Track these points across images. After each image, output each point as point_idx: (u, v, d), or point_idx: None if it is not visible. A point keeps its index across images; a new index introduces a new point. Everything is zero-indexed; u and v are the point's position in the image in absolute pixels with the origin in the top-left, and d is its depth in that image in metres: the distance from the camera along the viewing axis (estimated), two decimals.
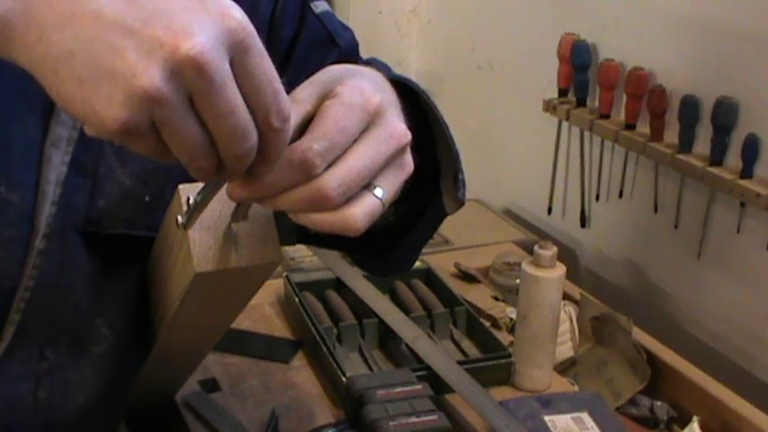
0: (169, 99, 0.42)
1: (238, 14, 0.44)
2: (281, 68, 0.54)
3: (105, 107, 0.42)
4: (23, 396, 0.72)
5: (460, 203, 0.73)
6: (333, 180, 0.50)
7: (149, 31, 0.42)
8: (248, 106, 0.45)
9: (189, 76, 0.42)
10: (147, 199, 0.72)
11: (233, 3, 0.44)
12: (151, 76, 0.42)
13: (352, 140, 0.52)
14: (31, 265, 0.68)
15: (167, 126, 0.44)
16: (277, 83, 0.46)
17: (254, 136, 0.45)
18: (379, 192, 0.53)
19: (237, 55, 0.44)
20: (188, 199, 0.56)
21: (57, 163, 0.67)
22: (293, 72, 0.78)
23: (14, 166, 0.66)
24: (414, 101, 0.66)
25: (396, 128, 0.54)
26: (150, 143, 0.45)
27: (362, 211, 0.52)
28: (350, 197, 0.51)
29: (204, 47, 0.42)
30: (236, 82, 0.44)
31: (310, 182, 0.50)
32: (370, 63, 0.77)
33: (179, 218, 0.57)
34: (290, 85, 0.52)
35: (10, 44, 0.46)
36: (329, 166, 0.50)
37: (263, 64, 0.45)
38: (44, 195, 0.67)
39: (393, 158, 0.54)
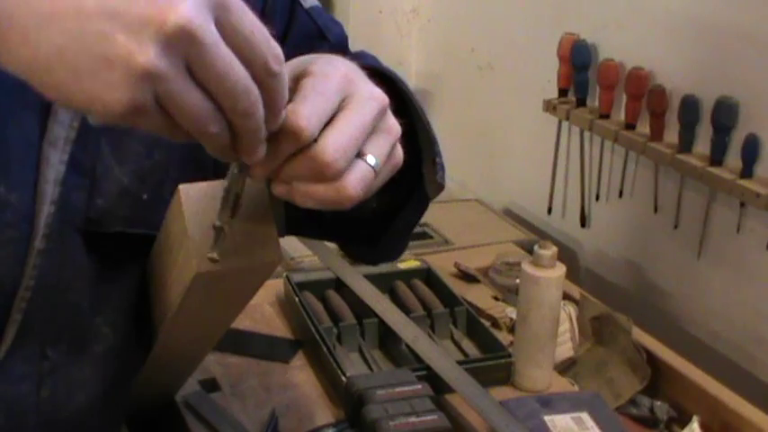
0: (168, 72, 0.43)
1: None
2: None
3: (108, 93, 0.43)
4: (26, 395, 0.72)
5: (440, 187, 0.74)
6: (328, 146, 0.51)
7: (133, 10, 0.43)
8: (243, 61, 0.46)
9: (182, 46, 0.43)
10: (144, 197, 0.72)
11: None
12: (147, 54, 0.43)
13: (335, 105, 0.53)
14: (31, 266, 0.68)
15: (171, 99, 0.44)
16: (265, 31, 0.47)
17: (255, 89, 0.47)
18: (371, 159, 0.54)
19: (221, 14, 0.45)
20: (214, 225, 0.55)
21: (55, 162, 0.67)
22: None
23: (12, 166, 0.66)
24: (392, 93, 0.66)
25: (373, 90, 0.55)
26: (158, 120, 0.46)
27: (355, 178, 0.53)
28: (347, 164, 0.52)
29: (190, 13, 0.43)
30: (226, 41, 0.45)
31: (307, 151, 0.51)
32: (359, 56, 0.77)
33: (212, 255, 0.56)
34: None
35: None
36: (320, 135, 0.51)
37: (247, 17, 0.46)
38: (43, 195, 0.67)
39: (378, 122, 0.55)
